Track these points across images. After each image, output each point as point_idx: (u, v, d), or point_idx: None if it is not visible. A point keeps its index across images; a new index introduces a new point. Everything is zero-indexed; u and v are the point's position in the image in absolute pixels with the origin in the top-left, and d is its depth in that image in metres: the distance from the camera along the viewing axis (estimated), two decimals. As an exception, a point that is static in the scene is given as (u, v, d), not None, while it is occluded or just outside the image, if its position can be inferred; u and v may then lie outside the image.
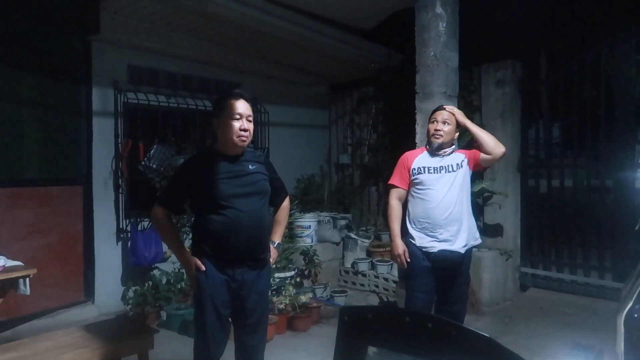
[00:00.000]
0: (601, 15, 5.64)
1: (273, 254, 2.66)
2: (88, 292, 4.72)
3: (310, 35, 5.20)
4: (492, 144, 3.00)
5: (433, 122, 3.03)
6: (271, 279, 4.42)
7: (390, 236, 3.12)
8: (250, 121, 2.43)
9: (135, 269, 4.78)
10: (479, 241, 3.13)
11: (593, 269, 4.92)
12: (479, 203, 5.16)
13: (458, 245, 2.92)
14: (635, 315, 1.78)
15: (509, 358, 0.88)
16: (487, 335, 0.91)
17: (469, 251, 3.02)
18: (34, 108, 4.31)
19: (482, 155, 3.02)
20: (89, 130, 4.66)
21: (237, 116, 2.37)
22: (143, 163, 4.82)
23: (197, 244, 2.45)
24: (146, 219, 4.83)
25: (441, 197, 2.92)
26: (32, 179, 4.32)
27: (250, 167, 2.49)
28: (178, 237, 2.53)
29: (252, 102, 2.50)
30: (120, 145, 4.77)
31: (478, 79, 5.34)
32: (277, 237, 2.72)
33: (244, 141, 2.40)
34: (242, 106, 2.40)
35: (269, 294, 2.75)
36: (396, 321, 0.99)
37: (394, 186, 3.12)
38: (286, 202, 2.76)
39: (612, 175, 4.92)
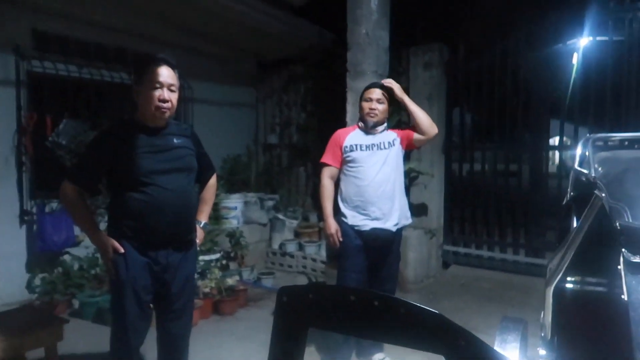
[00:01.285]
0: (522, 5, 5.89)
1: (199, 234, 2.49)
2: (-14, 281, 4.24)
3: (233, 5, 4.94)
4: (427, 124, 3.00)
5: (368, 100, 2.97)
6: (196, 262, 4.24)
7: (322, 215, 3.05)
8: (173, 91, 2.20)
9: (43, 254, 4.37)
10: (409, 220, 3.15)
11: (509, 246, 5.19)
12: (406, 183, 5.25)
13: (390, 223, 2.91)
14: (564, 287, 1.84)
15: (459, 334, 0.82)
16: (438, 312, 0.85)
17: (400, 230, 3.02)
18: None
19: (416, 135, 3.02)
20: (-16, 101, 4.14)
21: (157, 85, 2.15)
22: (51, 139, 4.37)
23: (114, 225, 2.23)
24: (55, 200, 4.42)
25: (373, 174, 2.89)
26: None
27: (175, 140, 2.29)
28: (91, 217, 2.27)
29: (177, 68, 2.26)
30: (23, 118, 4.29)
31: (407, 61, 5.39)
32: (203, 217, 2.55)
33: (164, 112, 2.18)
34: (164, 73, 2.17)
35: (195, 275, 2.57)
36: (340, 301, 0.90)
37: (326, 164, 3.05)
38: (213, 180, 2.60)
39: (525, 160, 5.22)
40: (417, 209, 5.29)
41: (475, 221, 5.47)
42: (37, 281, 4.23)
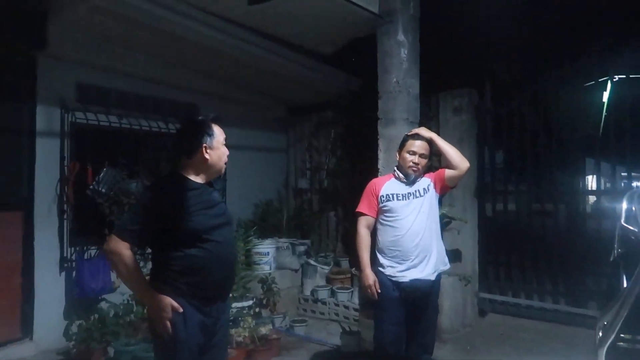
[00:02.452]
0: (551, 48, 5.92)
1: None
2: (26, 327, 4.31)
3: (266, 56, 5.12)
4: (458, 158, 3.00)
5: (411, 153, 2.97)
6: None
7: (359, 266, 3.03)
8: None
9: (80, 301, 4.43)
10: (447, 266, 3.10)
11: (547, 294, 5.01)
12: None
13: (428, 271, 2.87)
14: (618, 346, 1.76)
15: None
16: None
17: (438, 277, 2.98)
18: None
19: (448, 172, 3.01)
20: (31, 151, 4.32)
21: (224, 142, 2.31)
22: (92, 187, 4.51)
23: (167, 283, 2.14)
24: (93, 247, 4.52)
25: (410, 224, 2.88)
26: (-36, 204, 3.94)
27: (216, 195, 2.36)
28: (143, 277, 2.20)
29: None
30: (66, 168, 4.46)
31: (436, 106, 5.42)
32: None
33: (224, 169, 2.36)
34: (222, 132, 2.33)
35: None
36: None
37: (362, 214, 3.05)
38: None
39: (561, 199, 5.12)
40: (451, 255, 5.13)
41: (510, 266, 5.33)
42: (74, 328, 4.26)
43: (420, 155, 2.96)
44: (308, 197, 6.77)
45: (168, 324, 2.10)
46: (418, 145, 2.98)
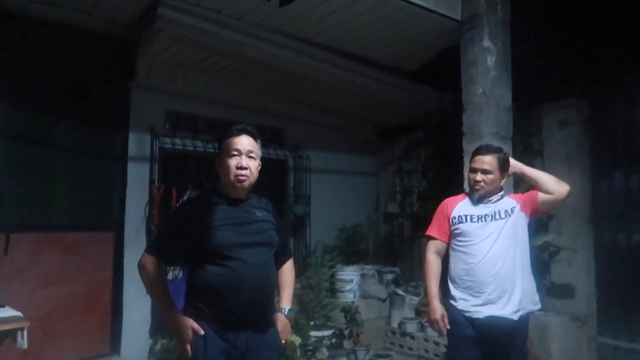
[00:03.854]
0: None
1: (284, 324, 2.24)
2: (114, 344, 4.48)
3: (350, 77, 4.96)
4: (553, 182, 2.53)
5: (472, 170, 2.61)
6: (300, 340, 4.02)
7: (426, 296, 2.65)
8: (252, 157, 2.11)
9: (164, 321, 4.51)
10: (538, 306, 2.58)
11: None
12: (544, 259, 4.52)
13: (509, 310, 2.40)
14: None
15: None
16: None
17: (524, 318, 2.47)
18: (69, 152, 4.29)
19: (542, 195, 2.55)
20: (123, 175, 4.58)
21: (235, 152, 2.07)
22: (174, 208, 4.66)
23: (192, 304, 2.07)
24: (177, 268, 4.62)
25: (486, 250, 2.45)
26: (62, 224, 4.24)
27: (257, 214, 2.17)
28: (168, 294, 2.14)
29: (259, 138, 2.19)
30: (154, 190, 4.66)
31: (538, 120, 4.82)
32: (286, 303, 2.29)
33: (242, 181, 2.07)
34: (242, 142, 2.09)
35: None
36: None
37: (432, 238, 2.68)
38: (290, 264, 2.37)
39: None
40: (560, 291, 4.49)
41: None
42: (158, 347, 4.36)
43: (483, 172, 2.55)
44: (399, 223, 6.40)
45: (188, 347, 1.98)
46: (479, 161, 2.58)
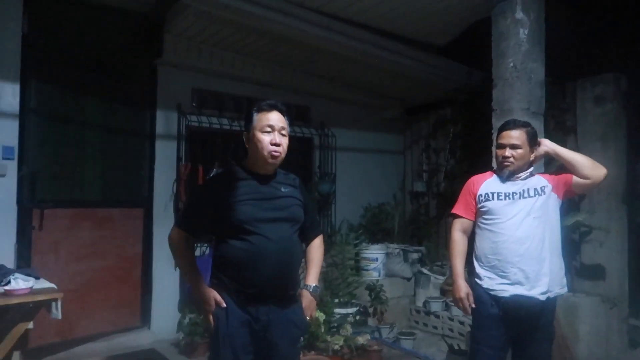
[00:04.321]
0: None
1: (309, 301, 2.25)
2: (145, 317, 4.62)
3: (377, 53, 4.85)
4: (590, 166, 2.43)
5: (500, 146, 2.52)
6: (325, 317, 4.05)
7: (451, 275, 2.62)
8: (284, 135, 2.11)
9: (192, 295, 4.61)
10: (565, 289, 2.51)
11: None
12: (575, 239, 4.41)
13: (537, 291, 2.35)
14: None
15: None
16: None
17: (551, 300, 2.42)
18: (99, 130, 4.38)
19: (576, 179, 2.45)
20: (152, 153, 4.66)
21: (268, 128, 2.07)
22: (201, 186, 4.72)
23: (216, 276, 2.13)
24: (204, 244, 4.70)
25: (514, 229, 2.39)
26: (93, 200, 4.36)
27: (282, 189, 2.16)
28: (195, 266, 2.19)
29: (288, 114, 2.18)
30: (181, 168, 4.72)
31: (572, 96, 4.63)
32: (313, 280, 2.29)
33: (276, 157, 2.08)
34: (274, 118, 2.09)
35: (301, 339, 2.32)
36: None
37: (457, 216, 2.63)
38: (319, 241, 2.36)
39: None
40: (591, 271, 4.37)
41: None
42: (186, 320, 4.47)
43: (512, 147, 2.46)
44: (425, 201, 6.34)
45: (210, 317, 2.05)
46: (506, 136, 2.49)
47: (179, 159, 4.76)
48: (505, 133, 2.50)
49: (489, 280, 2.44)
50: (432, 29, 4.81)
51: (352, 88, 5.96)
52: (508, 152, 2.45)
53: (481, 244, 2.52)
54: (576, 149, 4.54)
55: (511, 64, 3.59)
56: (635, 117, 4.46)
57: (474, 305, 2.46)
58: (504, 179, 2.51)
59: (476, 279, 2.50)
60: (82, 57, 4.24)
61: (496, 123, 3.65)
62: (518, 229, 2.38)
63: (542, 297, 2.35)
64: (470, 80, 5.58)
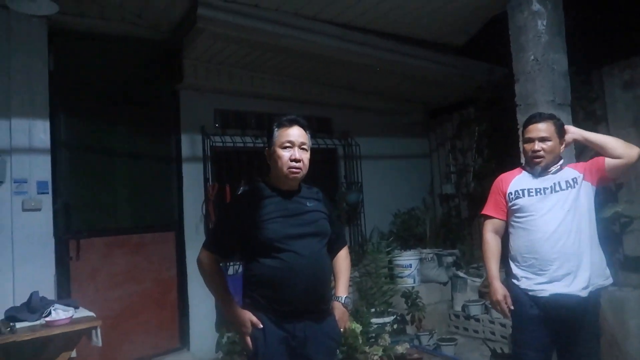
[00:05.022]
0: None
1: (341, 313, 2.22)
2: (183, 338, 4.67)
3: (394, 58, 4.84)
4: (621, 145, 2.35)
5: (528, 140, 2.45)
6: (361, 327, 4.00)
7: (487, 277, 2.55)
8: (305, 149, 2.10)
9: (224, 314, 4.64)
10: (609, 280, 2.41)
11: None
12: (615, 231, 4.24)
13: (577, 286, 2.25)
14: None
15: None
16: None
17: (594, 295, 2.31)
18: (127, 157, 4.48)
19: (609, 161, 2.35)
20: (179, 176, 4.73)
21: (288, 144, 2.06)
22: (230, 205, 4.76)
23: (249, 295, 2.10)
24: (237, 263, 4.73)
25: (548, 225, 2.31)
26: (126, 227, 4.44)
27: (308, 204, 2.15)
28: (227, 289, 2.19)
29: (309, 128, 2.18)
30: (209, 188, 4.77)
31: (599, 84, 4.50)
32: (343, 291, 2.27)
33: (296, 173, 2.07)
34: (294, 133, 2.08)
35: (337, 351, 2.29)
36: None
37: (488, 217, 2.57)
38: (345, 252, 2.34)
39: None
40: (636, 263, 4.19)
41: None
42: (224, 339, 4.48)
43: (541, 140, 2.38)
44: (455, 203, 6.23)
45: (248, 339, 2.03)
46: (534, 129, 2.41)
47: (205, 179, 4.82)
48: (532, 127, 2.43)
49: (526, 281, 2.36)
50: (449, 29, 4.75)
51: (372, 96, 5.95)
52: (537, 145, 2.38)
53: (515, 243, 2.44)
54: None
55: (532, 57, 3.51)
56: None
57: (512, 307, 2.38)
58: (536, 174, 2.43)
59: (513, 280, 2.42)
60: (106, 89, 4.37)
61: (521, 118, 3.57)
62: (553, 224, 2.30)
63: (584, 293, 2.25)
64: (492, 77, 5.49)
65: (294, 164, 2.06)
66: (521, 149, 2.55)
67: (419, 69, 5.20)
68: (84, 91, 4.23)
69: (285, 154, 2.06)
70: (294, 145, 2.07)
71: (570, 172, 2.43)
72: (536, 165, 2.41)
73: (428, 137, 6.69)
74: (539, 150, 2.37)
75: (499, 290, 2.42)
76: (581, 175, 2.40)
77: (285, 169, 2.06)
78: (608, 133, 4.33)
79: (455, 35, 4.98)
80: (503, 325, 4.65)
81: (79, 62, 4.22)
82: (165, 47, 4.56)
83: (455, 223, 6.09)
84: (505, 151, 5.21)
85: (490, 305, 4.66)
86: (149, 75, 4.63)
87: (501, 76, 5.52)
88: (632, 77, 4.28)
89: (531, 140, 2.41)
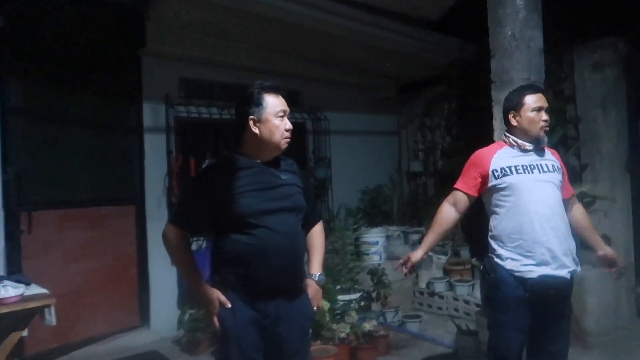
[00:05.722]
0: None
1: (315, 290, 2.13)
2: (144, 316, 4.52)
3: (365, 30, 4.71)
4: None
5: (537, 109, 2.32)
6: (329, 305, 3.95)
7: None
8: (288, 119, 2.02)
9: (191, 291, 4.50)
10: (579, 267, 2.40)
11: None
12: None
13: (563, 268, 2.22)
14: None
15: None
16: None
17: (573, 276, 2.31)
18: (84, 126, 4.20)
19: (566, 198, 2.42)
20: (140, 147, 4.51)
21: (282, 113, 1.95)
22: (194, 178, 4.58)
23: (218, 272, 1.98)
24: (201, 238, 4.57)
25: (539, 203, 2.23)
26: (83, 199, 4.19)
27: (282, 177, 2.02)
28: (194, 265, 2.05)
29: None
30: (172, 161, 4.57)
31: (569, 64, 4.52)
32: (317, 268, 2.17)
33: (288, 143, 2.00)
34: (283, 102, 1.98)
35: (310, 330, 2.20)
36: None
37: (457, 190, 2.47)
38: (319, 227, 2.23)
39: None
40: (597, 242, 4.29)
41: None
42: (186, 317, 4.36)
43: (546, 110, 2.33)
44: (422, 181, 6.24)
45: (216, 319, 1.92)
46: (540, 99, 2.33)
47: (169, 151, 4.61)
48: (537, 96, 2.33)
49: (512, 262, 2.27)
50: (423, 2, 4.65)
51: (343, 69, 5.82)
52: (546, 115, 2.32)
53: (500, 223, 2.33)
54: (576, 118, 4.46)
55: (509, 33, 3.45)
56: (635, 82, 4.35)
57: (408, 270, 2.46)
58: (525, 150, 2.34)
59: (497, 260, 2.33)
60: (62, 51, 4.04)
61: (496, 95, 3.53)
62: (543, 204, 2.24)
63: (569, 276, 2.24)
64: (463, 54, 5.45)
65: (288, 134, 1.98)
66: (513, 122, 2.42)
67: (389, 41, 5.09)
68: (37, 54, 3.89)
69: (281, 124, 1.96)
70: (285, 114, 1.97)
71: (552, 158, 2.38)
72: (543, 135, 2.33)
73: (397, 113, 6.65)
74: (547, 120, 2.32)
75: (414, 257, 2.46)
76: (561, 171, 2.37)
77: (281, 139, 1.97)
78: (576, 113, 4.41)
79: (429, 8, 4.89)
80: (467, 302, 4.72)
81: (32, 22, 3.87)
82: (127, 8, 4.25)
83: (422, 201, 6.11)
84: (475, 129, 5.22)
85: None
86: (108, 38, 4.31)
87: (472, 53, 5.50)
88: (602, 58, 4.32)
89: (540, 109, 2.31)
